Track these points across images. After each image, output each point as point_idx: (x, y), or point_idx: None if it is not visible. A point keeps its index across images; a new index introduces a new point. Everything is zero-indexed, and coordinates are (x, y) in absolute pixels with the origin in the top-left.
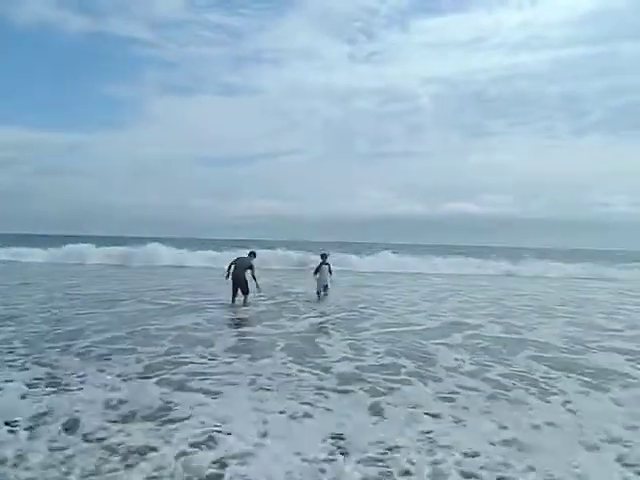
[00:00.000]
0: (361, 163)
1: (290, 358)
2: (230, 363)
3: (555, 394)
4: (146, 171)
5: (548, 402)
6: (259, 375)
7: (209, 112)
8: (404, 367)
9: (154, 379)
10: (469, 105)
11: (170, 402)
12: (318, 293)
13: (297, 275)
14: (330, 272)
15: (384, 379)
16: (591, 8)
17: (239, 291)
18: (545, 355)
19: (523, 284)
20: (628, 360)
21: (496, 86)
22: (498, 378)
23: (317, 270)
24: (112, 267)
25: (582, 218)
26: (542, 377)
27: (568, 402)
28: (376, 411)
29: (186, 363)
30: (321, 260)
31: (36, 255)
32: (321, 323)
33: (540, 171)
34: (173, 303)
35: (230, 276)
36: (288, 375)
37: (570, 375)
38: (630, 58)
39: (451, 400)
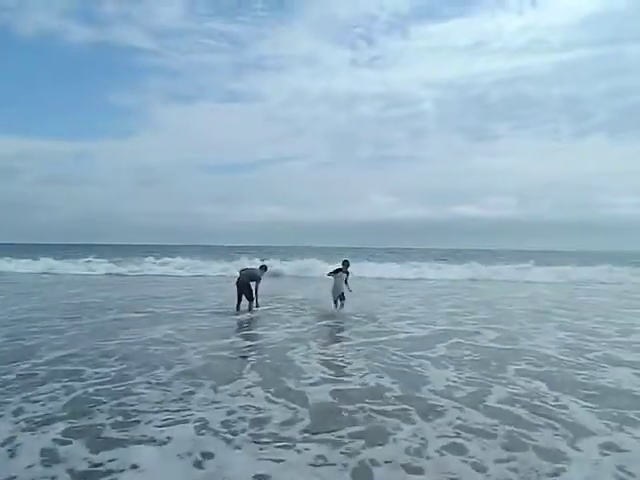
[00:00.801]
0: (364, 168)
1: (259, 379)
2: (181, 398)
3: (585, 433)
4: (151, 179)
5: (581, 450)
6: (213, 414)
7: (212, 119)
8: (390, 391)
9: (62, 427)
10: (472, 109)
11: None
12: (335, 302)
13: (298, 282)
14: (346, 282)
15: (368, 415)
16: (593, 10)
17: (243, 297)
18: (544, 370)
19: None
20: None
21: (499, 90)
22: (507, 408)
23: (334, 273)
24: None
25: (588, 220)
26: (556, 405)
27: (607, 447)
28: None
29: (126, 394)
30: (341, 267)
31: (46, 265)
32: (304, 332)
33: (544, 173)
34: (158, 311)
35: (236, 282)
36: (252, 410)
37: (588, 403)
38: (633, 59)
39: (460, 450)
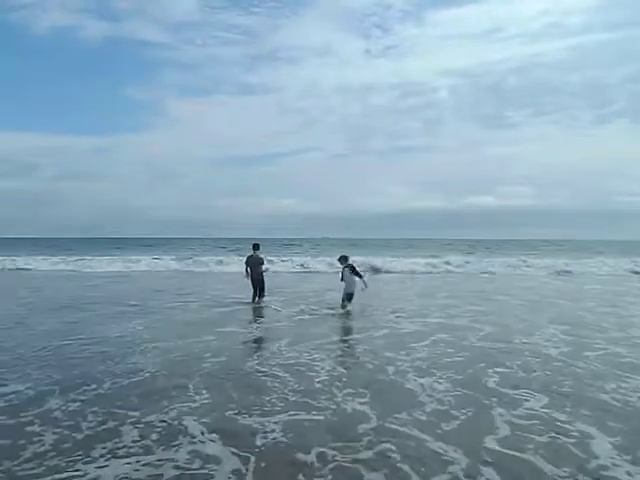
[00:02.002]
0: (379, 159)
1: (199, 403)
2: (93, 426)
3: None
4: (167, 173)
5: None
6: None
7: (227, 112)
8: (365, 424)
9: None
10: (488, 97)
11: None
12: (343, 301)
13: (305, 277)
14: (358, 275)
15: (336, 466)
16: None
17: (258, 290)
18: (552, 379)
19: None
20: None
21: (515, 76)
22: (512, 454)
23: (343, 276)
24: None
25: (606, 208)
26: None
27: None
28: None
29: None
30: (341, 265)
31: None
32: (274, 330)
33: (562, 161)
34: (131, 303)
35: (249, 277)
36: (169, 464)
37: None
38: None
39: None
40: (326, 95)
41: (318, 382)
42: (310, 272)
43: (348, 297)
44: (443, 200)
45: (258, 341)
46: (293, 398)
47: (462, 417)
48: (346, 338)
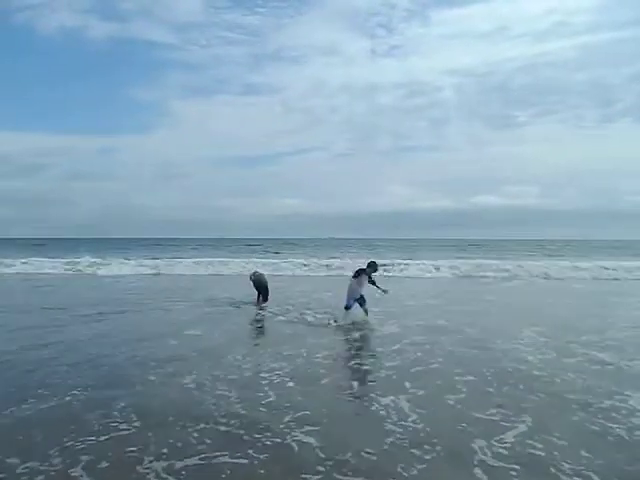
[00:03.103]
0: (384, 158)
1: (124, 428)
2: None
3: None
4: (171, 173)
5: None
6: None
7: (231, 112)
8: (307, 472)
9: None
10: (494, 96)
11: None
12: (346, 308)
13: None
14: (374, 283)
15: None
16: None
17: (262, 293)
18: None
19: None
20: None
21: (521, 76)
22: None
23: (356, 275)
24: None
25: (612, 208)
26: None
27: None
28: None
29: None
30: (365, 268)
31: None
32: (242, 336)
33: (569, 161)
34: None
35: (253, 285)
36: None
37: None
38: None
39: None
40: (331, 95)
41: (263, 406)
42: (310, 274)
43: (360, 299)
44: (448, 199)
45: (217, 348)
46: (224, 428)
47: (428, 457)
48: (316, 346)
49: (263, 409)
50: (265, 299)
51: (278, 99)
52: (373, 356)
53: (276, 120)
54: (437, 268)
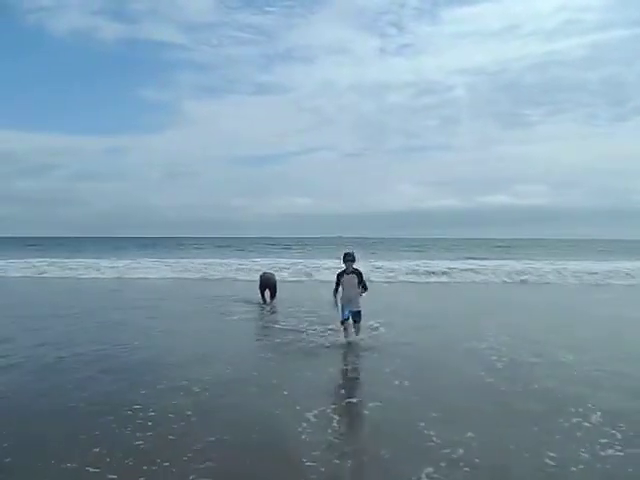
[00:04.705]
0: (394, 158)
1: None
2: None
3: None
4: (181, 173)
5: None
6: None
7: (242, 112)
8: None
9: None
10: (505, 95)
11: None
12: (346, 320)
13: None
14: (364, 287)
15: None
16: None
17: (267, 292)
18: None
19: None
20: None
21: (532, 74)
22: None
23: (337, 284)
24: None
25: (625, 208)
26: None
27: None
28: None
29: None
30: (344, 266)
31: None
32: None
33: (581, 160)
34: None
35: (260, 283)
36: None
37: None
38: None
39: None
40: (341, 94)
41: (197, 447)
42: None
43: (356, 316)
44: (458, 199)
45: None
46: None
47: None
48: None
49: (199, 445)
50: (273, 296)
51: (288, 99)
52: None
53: (286, 120)
54: (559, 272)
